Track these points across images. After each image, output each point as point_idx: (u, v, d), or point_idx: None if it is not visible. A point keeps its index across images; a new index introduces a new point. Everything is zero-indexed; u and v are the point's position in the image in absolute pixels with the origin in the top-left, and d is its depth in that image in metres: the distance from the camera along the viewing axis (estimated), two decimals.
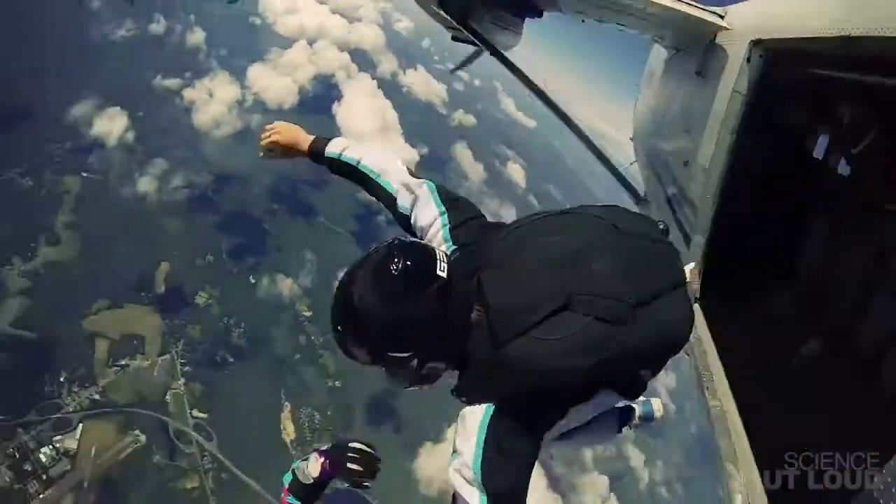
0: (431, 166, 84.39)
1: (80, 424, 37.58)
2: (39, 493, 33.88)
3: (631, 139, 7.17)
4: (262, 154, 2.95)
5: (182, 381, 42.64)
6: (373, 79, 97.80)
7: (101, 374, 40.71)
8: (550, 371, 2.11)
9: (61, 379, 39.00)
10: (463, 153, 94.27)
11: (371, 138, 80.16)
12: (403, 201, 2.65)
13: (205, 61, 76.59)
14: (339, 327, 2.11)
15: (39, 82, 55.60)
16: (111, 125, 58.01)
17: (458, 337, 2.17)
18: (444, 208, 2.54)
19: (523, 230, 2.34)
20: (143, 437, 38.73)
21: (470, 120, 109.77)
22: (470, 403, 2.23)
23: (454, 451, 2.20)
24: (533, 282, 2.16)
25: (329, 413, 47.09)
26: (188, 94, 68.97)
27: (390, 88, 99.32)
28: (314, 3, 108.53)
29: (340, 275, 2.16)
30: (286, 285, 52.95)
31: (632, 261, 2.29)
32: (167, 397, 41.69)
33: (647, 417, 4.17)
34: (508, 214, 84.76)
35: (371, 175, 2.76)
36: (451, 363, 2.22)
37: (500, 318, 2.12)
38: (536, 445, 2.21)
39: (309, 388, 48.28)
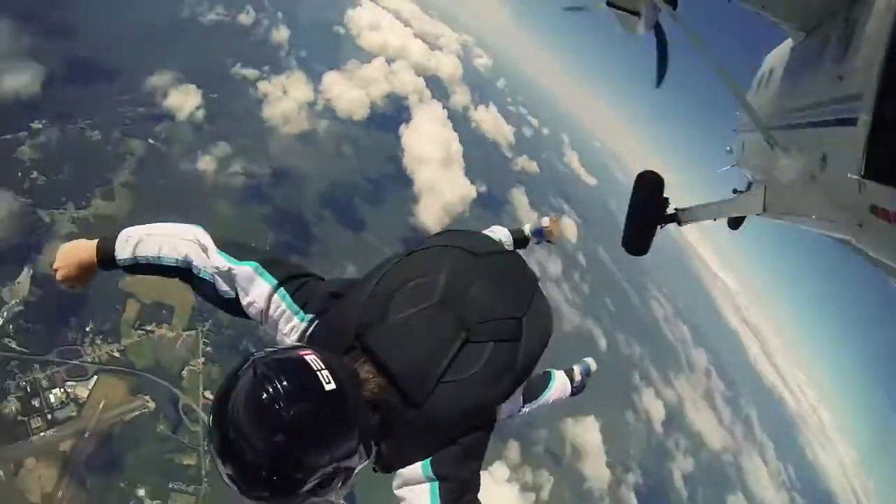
0: (487, 205, 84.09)
1: (95, 376, 37.21)
2: (41, 431, 33.56)
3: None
4: (69, 288, 2.73)
5: (202, 360, 41.96)
6: (444, 108, 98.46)
7: (126, 334, 40.37)
8: (479, 405, 2.24)
9: (87, 329, 38.77)
10: (520, 199, 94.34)
11: (433, 166, 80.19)
12: (223, 286, 2.46)
13: (284, 59, 78.21)
14: (247, 489, 1.82)
15: (127, 47, 57.24)
16: (185, 100, 58.87)
17: (366, 424, 2.01)
18: (275, 281, 2.38)
19: (387, 282, 2.34)
20: (151, 404, 38.19)
21: (533, 167, 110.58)
22: (395, 469, 2.22)
23: None
24: (426, 329, 2.21)
25: None
26: (263, 86, 70.06)
27: (460, 121, 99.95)
28: (399, 24, 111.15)
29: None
30: None
31: (499, 277, 2.52)
32: (184, 372, 41.06)
33: (587, 373, 4.89)
34: (554, 269, 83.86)
35: (177, 266, 2.54)
36: (367, 450, 2.04)
37: (407, 378, 2.11)
38: (481, 460, 2.31)
39: None
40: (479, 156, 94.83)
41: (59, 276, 2.63)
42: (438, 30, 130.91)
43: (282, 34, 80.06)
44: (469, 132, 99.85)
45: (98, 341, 38.91)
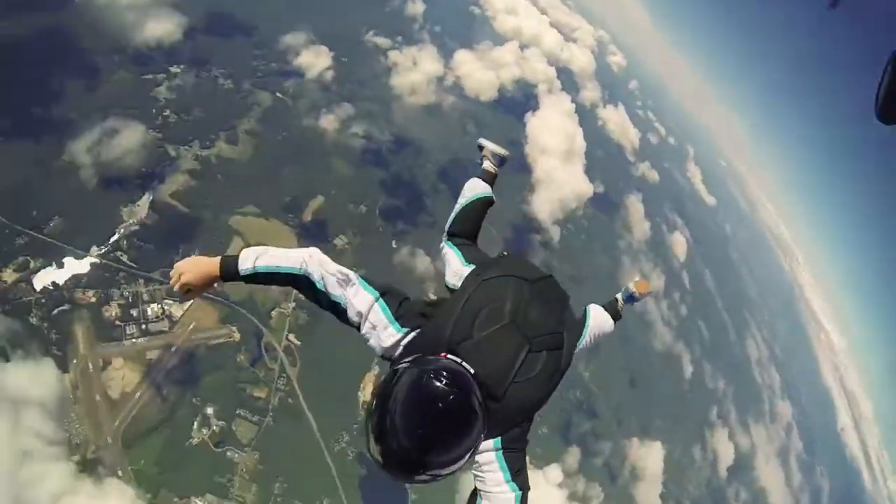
0: (602, 207, 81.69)
1: (191, 301, 39.36)
2: (133, 338, 36.51)
3: None
4: (182, 297, 3.27)
5: (292, 304, 43.09)
6: (572, 102, 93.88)
7: None
8: (542, 398, 2.96)
9: (192, 255, 41.02)
10: (635, 206, 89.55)
11: (555, 158, 78.05)
12: (334, 290, 2.97)
13: (417, 32, 78.47)
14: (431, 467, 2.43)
15: (265, 6, 60.74)
16: (315, 60, 60.86)
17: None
18: (377, 293, 2.94)
19: (468, 308, 2.95)
20: (237, 335, 40.14)
21: (653, 175, 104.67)
22: None
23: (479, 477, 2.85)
24: (502, 344, 2.86)
25: None
26: (393, 56, 70.90)
27: (587, 117, 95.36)
28: (536, 12, 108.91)
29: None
30: (423, 262, 51.67)
31: (547, 299, 3.21)
32: (273, 312, 42.63)
33: (629, 299, 5.32)
34: (656, 283, 79.65)
35: (294, 272, 3.05)
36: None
37: (491, 381, 2.71)
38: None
39: None
40: (601, 155, 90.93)
41: (183, 279, 3.11)
42: (575, 22, 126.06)
43: (417, 7, 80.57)
44: (594, 130, 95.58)
45: None
